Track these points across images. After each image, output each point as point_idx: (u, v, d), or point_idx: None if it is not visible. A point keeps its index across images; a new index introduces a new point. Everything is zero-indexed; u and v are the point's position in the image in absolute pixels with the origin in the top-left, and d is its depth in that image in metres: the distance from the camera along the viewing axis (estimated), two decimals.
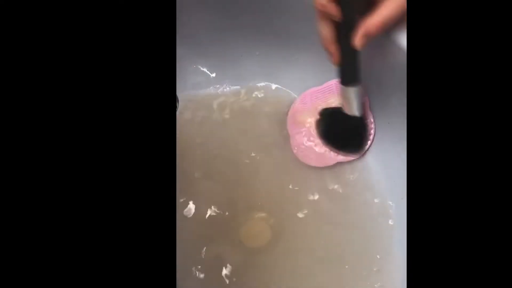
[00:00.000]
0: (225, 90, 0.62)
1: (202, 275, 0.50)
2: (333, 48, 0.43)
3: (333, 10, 0.40)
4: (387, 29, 0.41)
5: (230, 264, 0.50)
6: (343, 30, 0.42)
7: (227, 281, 0.49)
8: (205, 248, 0.51)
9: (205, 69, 0.62)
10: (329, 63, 0.45)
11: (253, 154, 0.57)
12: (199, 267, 0.50)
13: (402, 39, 0.44)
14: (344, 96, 0.49)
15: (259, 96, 0.61)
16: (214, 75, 0.62)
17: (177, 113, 0.59)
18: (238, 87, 0.62)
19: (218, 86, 0.62)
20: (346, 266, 0.49)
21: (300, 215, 0.53)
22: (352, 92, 0.47)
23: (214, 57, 0.61)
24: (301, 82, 0.58)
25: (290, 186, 0.54)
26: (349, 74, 0.46)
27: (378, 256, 0.50)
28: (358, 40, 0.41)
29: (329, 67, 0.46)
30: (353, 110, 0.50)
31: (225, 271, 0.50)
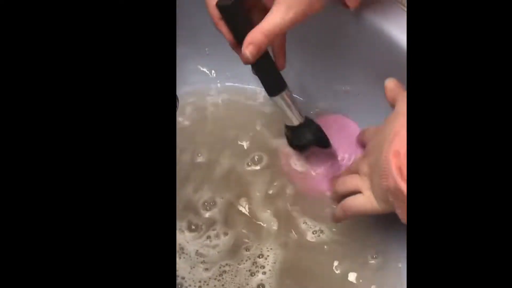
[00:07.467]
0: (225, 90, 0.62)
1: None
2: (240, 50, 0.41)
3: (223, 28, 0.40)
4: (276, 37, 0.39)
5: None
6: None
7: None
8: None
9: (205, 69, 0.62)
10: (327, 63, 0.45)
11: (253, 154, 0.57)
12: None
13: (402, 38, 0.44)
14: (278, 108, 0.47)
15: (258, 96, 0.61)
16: (214, 75, 0.62)
17: (177, 112, 0.60)
18: (238, 87, 0.62)
19: (218, 86, 0.62)
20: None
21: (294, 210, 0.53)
22: (279, 101, 0.45)
23: (214, 57, 0.61)
24: (300, 82, 0.58)
25: (288, 190, 0.54)
26: (269, 84, 0.45)
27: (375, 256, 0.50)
28: (244, 49, 0.39)
29: (328, 67, 0.46)
30: (291, 119, 0.48)
31: None
